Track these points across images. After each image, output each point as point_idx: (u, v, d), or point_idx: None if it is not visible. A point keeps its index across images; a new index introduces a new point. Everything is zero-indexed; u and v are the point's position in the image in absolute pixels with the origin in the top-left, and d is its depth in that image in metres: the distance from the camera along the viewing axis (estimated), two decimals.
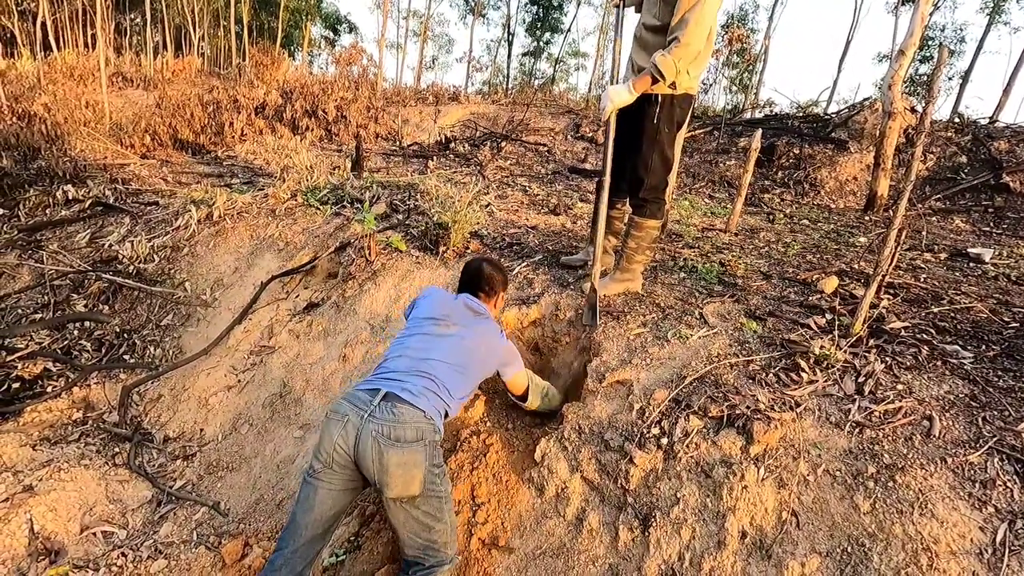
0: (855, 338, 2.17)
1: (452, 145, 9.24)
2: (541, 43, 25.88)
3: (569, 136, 9.76)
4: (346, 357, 3.06)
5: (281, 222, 4.43)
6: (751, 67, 18.26)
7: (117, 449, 2.94)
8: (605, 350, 2.37)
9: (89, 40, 20.52)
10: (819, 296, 2.66)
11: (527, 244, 3.57)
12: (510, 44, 24.45)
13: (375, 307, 3.24)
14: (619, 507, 1.91)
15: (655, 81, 2.25)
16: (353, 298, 3.37)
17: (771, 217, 5.17)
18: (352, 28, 28.99)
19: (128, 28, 23.28)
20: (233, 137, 9.35)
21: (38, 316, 3.97)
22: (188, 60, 19.69)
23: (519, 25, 24.97)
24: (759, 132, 4.41)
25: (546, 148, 8.94)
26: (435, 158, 8.20)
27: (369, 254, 3.53)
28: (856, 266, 3.24)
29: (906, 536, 1.49)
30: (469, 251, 3.43)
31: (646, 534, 1.80)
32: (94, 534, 2.39)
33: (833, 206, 6.48)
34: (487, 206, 4.18)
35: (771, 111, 11.52)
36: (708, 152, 8.17)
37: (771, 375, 2.05)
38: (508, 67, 24.74)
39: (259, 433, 2.97)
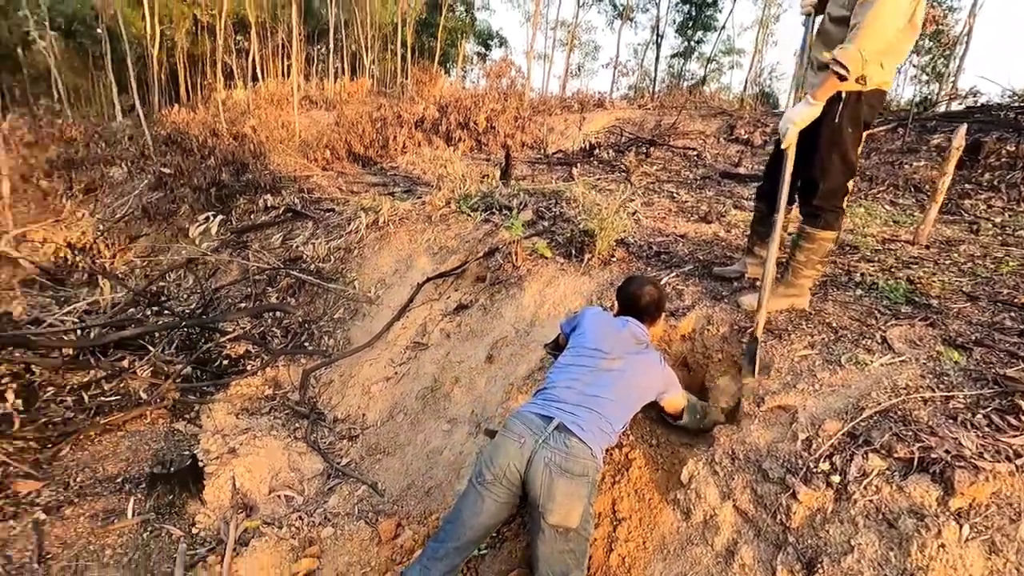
0: None
1: (596, 152, 9.20)
2: (692, 43, 24.77)
3: (722, 139, 9.18)
4: (492, 358, 3.19)
5: (436, 228, 4.76)
6: (948, 52, 15.65)
7: (297, 425, 3.37)
8: (764, 370, 2.18)
9: (285, 70, 24.01)
10: None
11: (676, 253, 3.42)
12: (658, 46, 23.76)
13: (520, 311, 3.33)
14: (777, 545, 1.73)
15: (841, 79, 1.98)
16: (500, 302, 3.50)
17: (975, 227, 4.36)
18: (503, 42, 30.32)
19: (315, 57, 26.79)
20: (396, 150, 10.28)
21: (242, 305, 4.71)
22: (360, 82, 22.07)
23: (668, 26, 24.17)
24: (963, 128, 3.74)
25: (695, 152, 8.50)
26: (579, 165, 8.23)
27: (515, 260, 3.65)
28: None
29: None
30: (615, 259, 3.38)
31: None
32: (279, 496, 2.77)
33: None
34: (633, 213, 4.09)
35: (975, 102, 9.76)
36: (890, 152, 7.14)
37: (979, 416, 1.72)
38: (655, 70, 24.05)
39: (412, 423, 3.21)
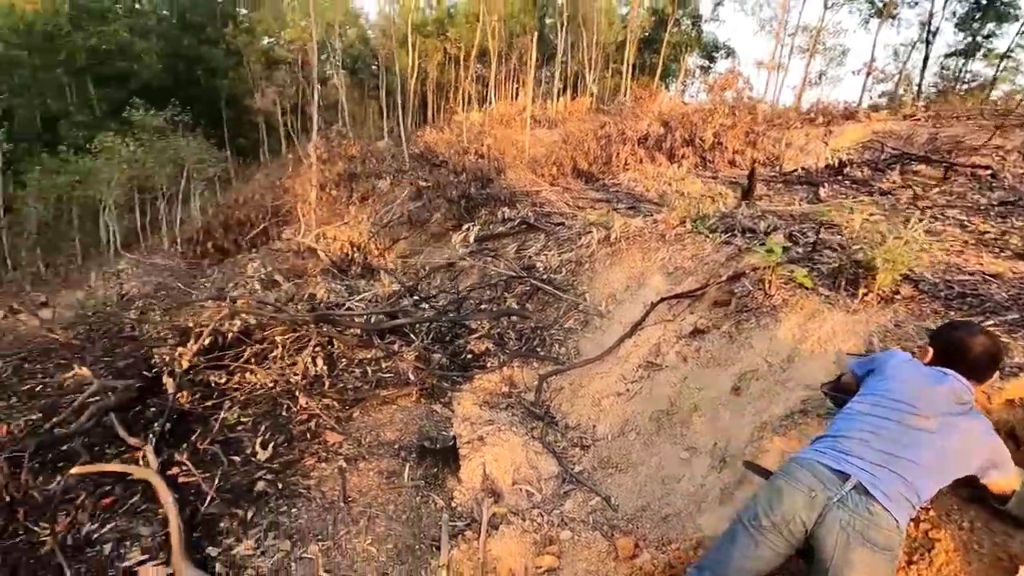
0: None
1: (847, 170, 8.10)
2: (979, 38, 20.33)
3: None
4: (739, 390, 2.99)
5: (671, 247, 4.67)
6: None
7: (533, 425, 3.59)
8: None
9: (514, 93, 26.16)
10: None
11: (989, 297, 2.80)
12: (928, 45, 20.02)
13: (774, 344, 3.06)
14: None
15: None
16: (748, 331, 3.27)
17: None
18: (729, 53, 28.74)
19: (541, 79, 28.69)
20: (618, 166, 10.41)
21: (484, 307, 5.21)
22: (580, 101, 22.93)
23: (946, 20, 20.21)
24: None
25: (988, 171, 6.91)
26: (826, 185, 7.33)
27: (768, 287, 3.38)
28: None
29: None
30: (899, 297, 2.90)
31: None
32: (520, 489, 2.97)
33: None
34: (922, 247, 3.47)
35: None
36: None
37: None
38: (922, 73, 20.30)
39: (645, 444, 3.18)
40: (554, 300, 4.96)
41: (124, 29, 21.13)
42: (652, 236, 4.99)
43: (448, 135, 15.82)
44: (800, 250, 3.86)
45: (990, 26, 19.96)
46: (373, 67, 27.67)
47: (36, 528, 2.57)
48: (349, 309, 4.63)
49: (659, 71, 25.50)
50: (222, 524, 2.62)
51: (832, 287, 3.18)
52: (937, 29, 19.94)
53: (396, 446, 3.25)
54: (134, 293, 6.81)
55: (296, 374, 3.83)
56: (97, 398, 3.31)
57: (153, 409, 3.73)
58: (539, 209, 7.22)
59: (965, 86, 21.27)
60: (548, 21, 24.83)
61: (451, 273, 6.22)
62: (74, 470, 2.38)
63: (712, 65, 29.28)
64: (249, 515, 2.67)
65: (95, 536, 2.57)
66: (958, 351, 1.79)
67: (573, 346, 4.40)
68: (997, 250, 3.74)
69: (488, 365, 4.38)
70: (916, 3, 20.79)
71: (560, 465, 3.19)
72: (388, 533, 2.58)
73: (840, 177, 7.97)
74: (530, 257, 5.85)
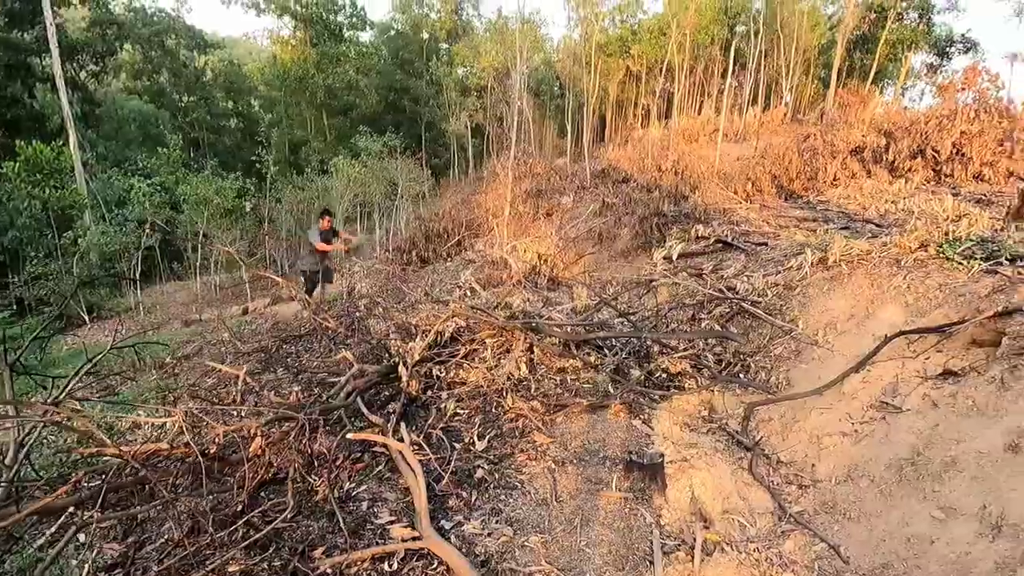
0: None
1: None
2: None
3: None
4: (1018, 448, 2.51)
5: (909, 274, 4.10)
6: None
7: (741, 455, 3.41)
8: None
9: (697, 106, 25.17)
10: None
11: None
12: None
13: None
14: None
15: None
16: None
17: None
18: (969, 47, 24.15)
19: (726, 89, 27.22)
20: (825, 182, 9.42)
21: (683, 327, 5.09)
22: (774, 111, 21.23)
23: None
24: None
25: None
26: None
27: None
28: None
29: None
30: None
31: None
32: (732, 519, 2.84)
33: None
34: None
35: None
36: None
37: None
38: None
39: (882, 494, 2.83)
40: (758, 324, 4.66)
41: (353, 69, 25.02)
42: (883, 260, 4.43)
43: (630, 152, 15.82)
44: None
45: None
46: (555, 88, 28.89)
47: (311, 479, 3.16)
48: (550, 319, 4.87)
49: (872, 73, 22.48)
50: (450, 502, 2.95)
51: None
52: None
53: (601, 455, 3.34)
54: (362, 291, 7.99)
55: (504, 375, 4.14)
56: (356, 380, 3.96)
57: (385, 393, 4.35)
58: (736, 228, 6.85)
59: None
60: (740, 29, 23.45)
61: (641, 290, 6.19)
62: (351, 435, 2.89)
63: (945, 63, 24.90)
64: (473, 498, 2.96)
65: (354, 493, 3.07)
66: None
67: (783, 375, 4.08)
68: None
69: (686, 386, 4.27)
70: None
71: (775, 501, 2.99)
72: (601, 538, 2.67)
73: None
74: (728, 278, 5.57)
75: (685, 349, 4.73)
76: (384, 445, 3.29)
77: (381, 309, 6.45)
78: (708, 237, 6.51)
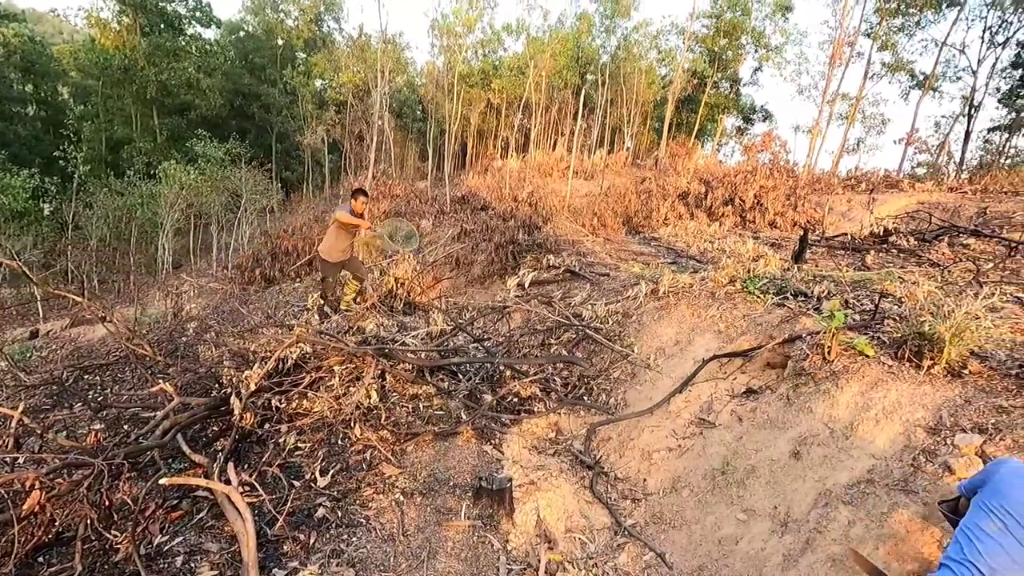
0: None
1: (893, 239, 8.09)
2: (1022, 114, 20.32)
3: None
4: (799, 455, 2.99)
5: (721, 305, 4.72)
6: None
7: (583, 474, 3.60)
8: None
9: (552, 144, 26.92)
10: None
11: None
12: (970, 119, 20.09)
13: (835, 410, 3.06)
14: None
15: None
16: (807, 395, 3.28)
17: None
18: (767, 116, 29.19)
19: (577, 131, 29.55)
20: (658, 220, 10.57)
21: (534, 352, 5.28)
22: (618, 155, 23.43)
23: (989, 96, 20.31)
24: None
25: None
26: (872, 252, 7.33)
27: (828, 353, 3.40)
28: None
29: None
30: (968, 372, 2.90)
31: None
32: (575, 538, 2.97)
33: None
34: (984, 319, 3.47)
35: None
36: None
37: None
38: (964, 146, 20.27)
39: (699, 502, 3.16)
40: (600, 349, 5.01)
41: (193, 66, 22.66)
42: (701, 293, 5.05)
43: (489, 180, 16.32)
44: (857, 317, 3.88)
45: None
46: (418, 111, 28.95)
47: (109, 535, 2.68)
48: (403, 344, 4.76)
49: (695, 130, 26.04)
50: (285, 547, 2.69)
51: (895, 357, 3.19)
52: (980, 104, 20.05)
53: (451, 483, 3.29)
54: (194, 313, 7.10)
55: (352, 404, 3.93)
56: (177, 414, 3.46)
57: (214, 428, 3.88)
58: (583, 259, 7.36)
59: (1009, 160, 21.13)
60: (590, 78, 25.72)
61: (495, 316, 6.33)
62: (165, 480, 2.49)
63: (749, 127, 29.75)
64: (311, 540, 2.73)
65: (165, 548, 2.66)
66: None
67: (620, 397, 4.42)
68: None
69: (535, 410, 4.42)
70: (959, 77, 21.02)
71: (612, 517, 3.19)
72: (448, 570, 2.61)
73: (885, 245, 7.96)
74: (575, 305, 5.95)
75: (536, 373, 4.91)
76: (208, 488, 2.91)
77: (213, 333, 5.78)
78: (558, 267, 6.92)
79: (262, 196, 15.17)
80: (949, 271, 5.86)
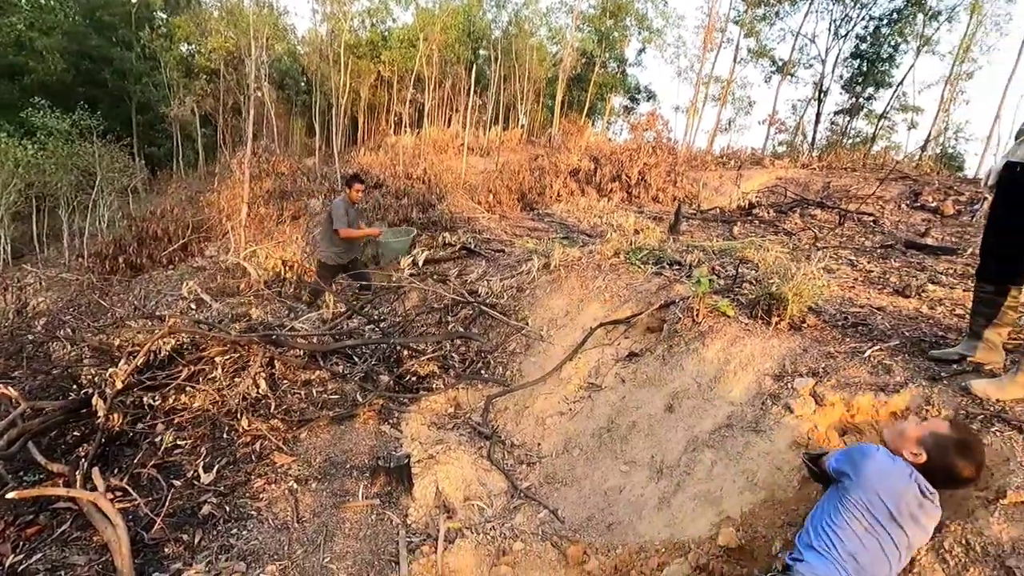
0: None
1: (756, 211, 9.00)
2: (861, 100, 23.24)
3: (903, 205, 8.51)
4: (672, 408, 3.30)
5: (607, 276, 5.01)
6: None
7: (480, 444, 3.72)
8: (1003, 462, 2.07)
9: (447, 120, 26.54)
10: None
11: (876, 326, 3.31)
12: (820, 103, 22.65)
13: (702, 366, 3.42)
14: None
15: None
16: (679, 354, 3.61)
17: None
18: (651, 96, 30.83)
19: (468, 105, 29.34)
20: (551, 197, 10.89)
21: (432, 330, 5.29)
22: (513, 132, 23.62)
23: (834, 82, 22.96)
24: None
25: (872, 218, 7.98)
26: (739, 224, 8.11)
27: (696, 315, 3.75)
28: None
29: None
30: (806, 325, 3.36)
31: None
32: (473, 505, 3.08)
33: None
34: (823, 283, 4.01)
35: None
36: None
37: None
38: (816, 127, 22.85)
39: (588, 459, 3.41)
40: (497, 324, 5.14)
41: (23, 23, 19.45)
42: (589, 265, 5.33)
43: (382, 157, 15.80)
44: (722, 282, 4.31)
45: (870, 90, 22.91)
46: (302, 83, 27.12)
47: None
48: (293, 329, 4.56)
49: (586, 108, 26.91)
50: (167, 549, 2.53)
51: (750, 316, 3.60)
52: (827, 89, 22.61)
53: (348, 466, 3.26)
54: (42, 308, 6.26)
55: (238, 395, 3.73)
56: (27, 421, 3.07)
57: (75, 433, 3.51)
58: (479, 235, 7.44)
59: (850, 141, 24.12)
60: (483, 53, 25.56)
61: (391, 296, 6.25)
62: (13, 494, 2.22)
63: (635, 106, 31.26)
64: (196, 539, 2.60)
65: (20, 568, 2.40)
66: (949, 477, 1.94)
67: (516, 368, 4.58)
68: (880, 287, 4.38)
69: (434, 387, 4.46)
70: (811, 65, 23.53)
71: (508, 481, 3.34)
72: (346, 551, 2.61)
73: (750, 217, 8.84)
74: (471, 282, 6.02)
75: (434, 352, 4.94)
76: (72, 498, 2.65)
77: (69, 330, 5.16)
78: (454, 244, 6.93)
79: (121, 175, 13.53)
80: (798, 238, 6.66)
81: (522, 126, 25.38)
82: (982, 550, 1.87)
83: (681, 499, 2.76)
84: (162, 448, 3.29)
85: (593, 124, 30.02)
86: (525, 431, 3.89)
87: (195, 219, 10.91)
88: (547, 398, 4.05)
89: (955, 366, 2.68)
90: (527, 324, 4.93)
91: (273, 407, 3.65)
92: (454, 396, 4.39)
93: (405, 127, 23.47)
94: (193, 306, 5.08)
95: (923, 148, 17.39)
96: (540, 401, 4.07)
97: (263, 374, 3.96)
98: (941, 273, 5.03)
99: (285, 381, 4.18)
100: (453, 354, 4.96)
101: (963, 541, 1.92)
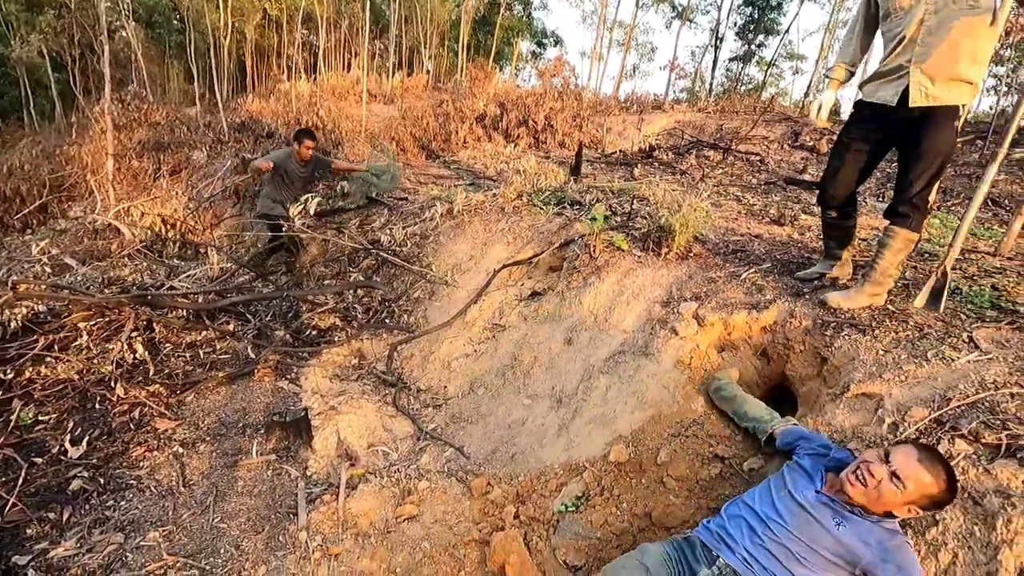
0: None
1: (656, 153, 9.28)
2: (752, 47, 24.33)
3: (785, 145, 9.12)
4: (571, 341, 3.40)
5: (510, 219, 4.99)
6: None
7: (385, 392, 3.66)
8: (849, 360, 2.32)
9: (346, 64, 24.82)
10: None
11: (752, 251, 3.55)
12: (717, 49, 23.47)
13: (598, 299, 3.52)
14: None
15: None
16: (577, 289, 3.70)
17: None
18: (558, 41, 30.44)
19: (375, 53, 27.58)
20: (457, 144, 10.60)
21: (328, 282, 5.06)
22: (417, 77, 22.58)
23: (729, 29, 23.81)
24: None
25: (758, 158, 8.49)
26: (639, 166, 8.34)
27: (593, 251, 3.84)
28: None
29: None
30: (692, 254, 3.53)
31: None
32: (377, 451, 3.05)
33: None
34: (707, 214, 4.22)
35: None
36: (967, 165, 6.99)
37: None
38: (713, 73, 23.73)
39: (493, 396, 3.46)
40: (401, 272, 5.01)
41: None
42: (492, 209, 5.28)
43: (275, 105, 14.57)
44: (618, 219, 4.42)
45: (760, 37, 24.01)
46: (175, 21, 24.10)
47: None
48: (171, 289, 4.18)
49: (493, 53, 26.16)
50: (29, 530, 2.30)
51: (643, 249, 3.74)
52: (723, 36, 23.40)
53: (241, 425, 3.10)
54: None
55: (111, 363, 3.40)
56: None
57: None
58: None
59: (744, 87, 25.35)
60: None
61: (286, 250, 5.88)
62: None
63: (542, 52, 30.80)
64: (65, 516, 2.37)
65: None
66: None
67: (422, 315, 4.52)
68: (760, 218, 4.69)
69: (337, 339, 4.31)
70: (708, 12, 24.18)
71: (415, 425, 3.33)
72: (239, 508, 2.50)
73: (650, 159, 9.11)
74: (374, 231, 5.79)
75: (335, 304, 4.75)
76: None
77: None
78: (354, 194, 6.59)
79: None
80: (692, 177, 6.96)
81: (427, 72, 24.30)
82: (830, 436, 2.10)
83: (578, 424, 2.88)
84: (21, 425, 2.94)
85: (501, 70, 29.34)
86: (431, 376, 3.87)
87: (53, 176, 9.59)
88: (452, 342, 4.04)
89: (816, 282, 2.94)
90: (431, 270, 4.84)
91: (152, 372, 3.36)
92: (358, 348, 4.27)
93: (300, 72, 21.72)
94: (49, 270, 4.50)
95: (806, 95, 18.62)
96: (446, 345, 4.05)
97: (140, 338, 3.63)
98: (813, 204, 5.47)
99: (167, 344, 3.85)
100: (356, 305, 4.80)
101: (815, 431, 2.14)
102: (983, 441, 1.80)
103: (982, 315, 2.48)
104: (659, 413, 2.70)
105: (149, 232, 6.71)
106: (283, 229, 5.15)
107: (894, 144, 2.50)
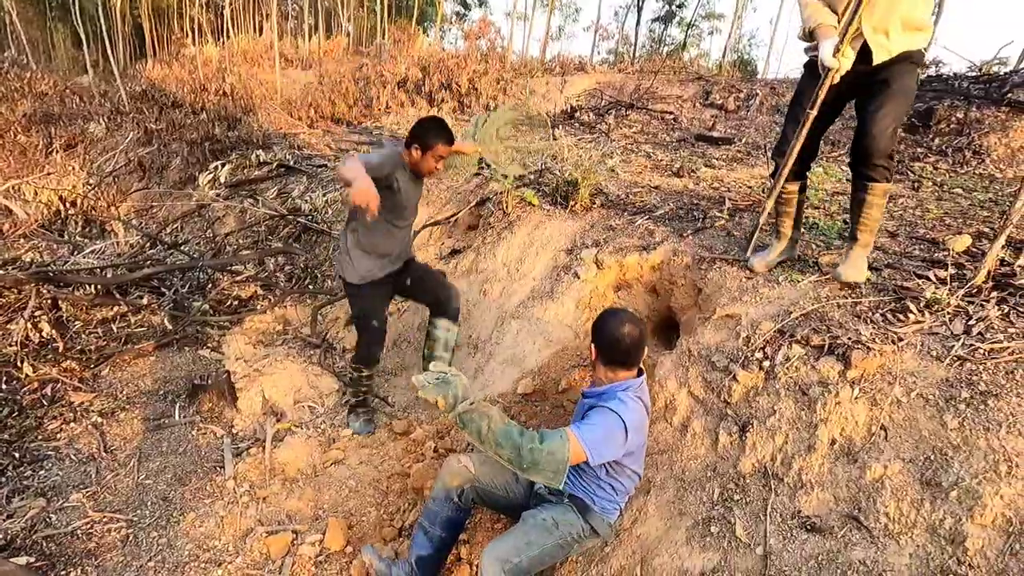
0: (975, 289, 2.24)
1: (577, 114, 9.51)
2: (673, 7, 24.84)
3: (697, 104, 9.57)
4: (485, 292, 3.61)
5: (428, 181, 5.08)
6: None
7: (311, 353, 3.76)
8: (718, 289, 2.65)
9: (257, 27, 23.33)
10: (946, 253, 2.68)
11: (649, 202, 3.85)
12: (639, 10, 23.78)
13: (510, 252, 3.73)
14: (720, 416, 2.22)
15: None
16: (492, 244, 3.89)
17: (917, 185, 4.89)
18: (483, 2, 29.85)
19: (289, 14, 26.02)
20: (379, 109, 10.40)
21: (247, 252, 5.00)
22: (336, 40, 21.62)
23: None
24: None
25: (672, 116, 8.88)
26: (561, 126, 8.54)
27: (506, 208, 4.03)
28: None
29: (989, 448, 1.66)
30: (596, 205, 3.79)
31: (743, 438, 2.11)
32: (303, 406, 3.18)
33: (1000, 175, 5.86)
34: (612, 169, 4.48)
35: (936, 71, 10.28)
36: (851, 119, 7.65)
37: (877, 315, 2.21)
38: (636, 34, 24.10)
39: (415, 349, 3.64)
40: (323, 238, 5.02)
41: None
42: None
43: (179, 71, 13.65)
44: (531, 176, 4.62)
45: None
46: None
47: None
48: (76, 264, 4.03)
49: (416, 14, 25.33)
50: None
51: (552, 203, 3.96)
52: None
53: (162, 392, 3.13)
54: None
55: (13, 344, 3.30)
56: None
57: None
58: (299, 152, 6.96)
59: (666, 48, 25.95)
60: None
61: (204, 221, 5.73)
62: None
63: (467, 13, 30.11)
64: None
65: None
66: (621, 346, 1.88)
67: None
68: (664, 172, 5.02)
69: (259, 307, 4.32)
70: None
71: (340, 381, 3.46)
72: (165, 466, 2.58)
73: (572, 120, 9.33)
74: (293, 199, 5.72)
75: (256, 273, 4.73)
76: None
77: None
78: (270, 162, 6.43)
79: None
80: (609, 137, 7.25)
81: (347, 34, 23.27)
82: (699, 353, 2.43)
83: (492, 365, 3.12)
84: None
85: (426, 32, 28.51)
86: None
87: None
88: None
89: (700, 225, 3.26)
90: None
91: (63, 349, 3.30)
92: (282, 314, 4.31)
93: (206, 36, 20.27)
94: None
95: (723, 55, 19.34)
96: None
97: (45, 317, 3.52)
98: (716, 159, 5.88)
99: (77, 322, 3.75)
100: (278, 273, 4.80)
101: (687, 350, 2.47)
102: (812, 344, 2.16)
103: (829, 244, 2.88)
104: (563, 348, 2.98)
105: (46, 210, 6.31)
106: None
107: (852, 99, 2.40)
